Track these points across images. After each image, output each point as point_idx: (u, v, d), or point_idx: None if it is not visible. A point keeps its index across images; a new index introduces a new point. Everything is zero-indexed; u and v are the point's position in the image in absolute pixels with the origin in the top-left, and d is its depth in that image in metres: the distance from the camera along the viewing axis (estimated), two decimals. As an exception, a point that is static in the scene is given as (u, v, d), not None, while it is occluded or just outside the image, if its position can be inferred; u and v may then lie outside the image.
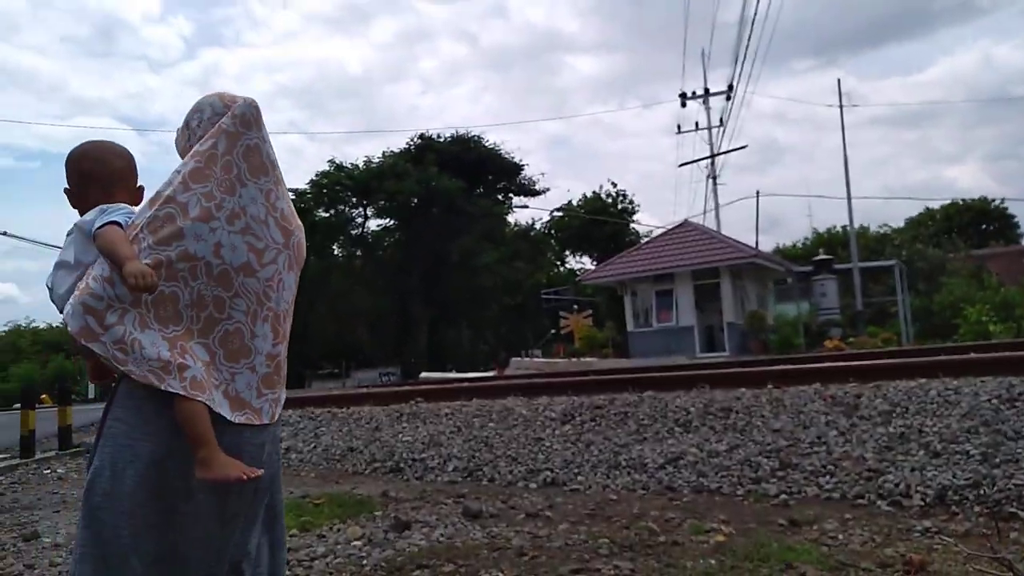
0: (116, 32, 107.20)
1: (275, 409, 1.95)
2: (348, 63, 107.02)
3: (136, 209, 1.91)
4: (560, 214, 46.04)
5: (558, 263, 49.70)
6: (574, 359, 23.10)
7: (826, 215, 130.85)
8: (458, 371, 27.36)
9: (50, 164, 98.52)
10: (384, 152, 38.82)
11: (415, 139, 38.73)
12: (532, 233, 46.45)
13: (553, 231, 47.99)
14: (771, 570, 3.53)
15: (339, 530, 4.73)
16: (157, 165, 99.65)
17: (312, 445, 8.15)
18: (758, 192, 47.75)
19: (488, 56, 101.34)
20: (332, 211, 39.17)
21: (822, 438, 5.79)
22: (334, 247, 41.25)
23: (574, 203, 46.53)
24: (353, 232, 40.61)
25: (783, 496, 5.12)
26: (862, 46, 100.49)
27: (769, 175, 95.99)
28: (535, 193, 42.24)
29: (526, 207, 46.12)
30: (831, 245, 37.62)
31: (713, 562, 3.70)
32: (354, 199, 38.83)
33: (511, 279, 40.12)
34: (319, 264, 38.78)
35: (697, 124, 34.74)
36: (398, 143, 50.17)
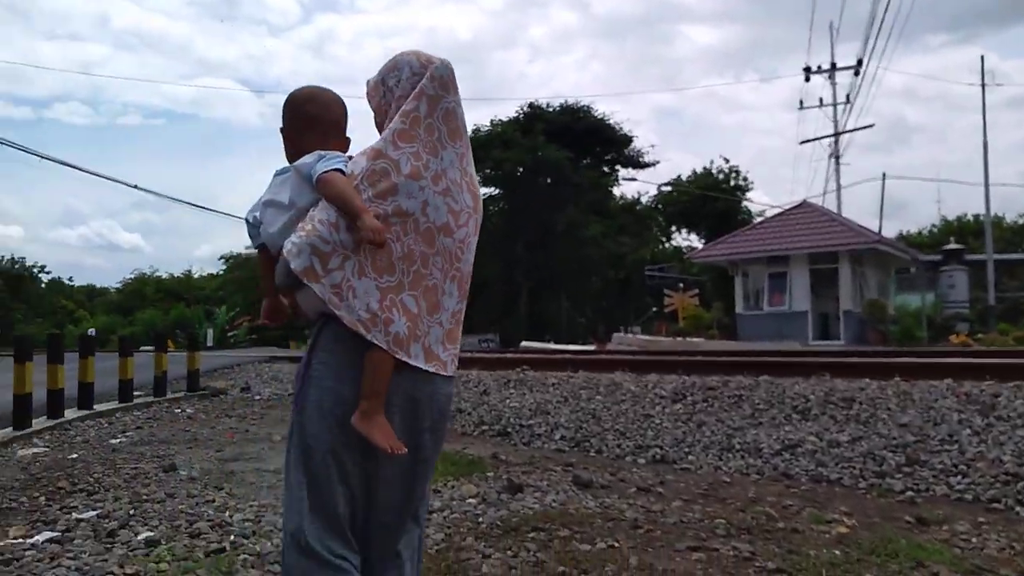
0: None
1: (455, 363, 2.02)
2: (458, 29, 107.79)
3: (347, 158, 1.96)
4: (668, 189, 45.14)
5: (663, 239, 48.82)
6: (678, 338, 22.73)
7: (956, 202, 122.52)
8: (556, 342, 27.44)
9: (174, 122, 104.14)
10: (492, 120, 38.98)
11: (524, 108, 38.69)
12: (638, 207, 45.74)
13: (660, 206, 47.06)
14: (901, 566, 3.39)
15: (453, 487, 4.85)
16: (273, 126, 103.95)
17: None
18: (884, 174, 45.19)
19: (599, 24, 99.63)
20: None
21: (954, 436, 5.49)
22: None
23: (683, 178, 45.49)
24: (461, 200, 41.09)
25: (909, 493, 4.89)
26: (1005, 21, 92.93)
27: (896, 156, 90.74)
28: (643, 166, 41.55)
29: (634, 180, 45.48)
30: (961, 234, 35.35)
31: (838, 553, 3.58)
32: (462, 167, 39.24)
33: (615, 253, 39.74)
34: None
35: (821, 100, 33.22)
36: (506, 111, 50.19)
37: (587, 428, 6.85)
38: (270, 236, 1.95)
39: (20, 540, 3.85)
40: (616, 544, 3.70)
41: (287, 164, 2.03)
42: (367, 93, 2.08)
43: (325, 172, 1.85)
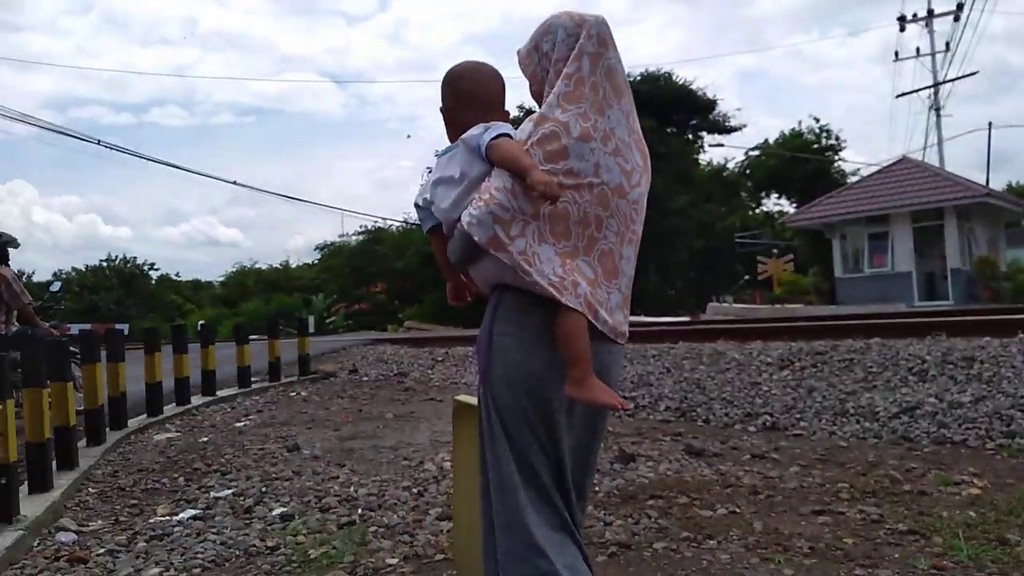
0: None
1: (627, 329, 1.99)
2: (532, 5, 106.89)
3: (511, 128, 1.96)
4: (756, 153, 43.75)
5: (752, 205, 47.42)
6: (776, 306, 22.15)
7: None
8: (645, 315, 27.17)
9: (264, 119, 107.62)
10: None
11: (635, 76, 38.02)
12: (725, 173, 44.52)
13: (748, 171, 45.70)
14: (1042, 528, 3.26)
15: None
16: (356, 116, 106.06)
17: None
18: (990, 124, 42.44)
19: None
20: (522, 155, 39.69)
21: (1090, 393, 5.19)
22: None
23: (770, 141, 43.98)
24: (543, 175, 40.98)
25: (1044, 453, 4.67)
26: None
27: (1000, 105, 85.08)
28: (729, 131, 40.32)
29: (720, 145, 44.01)
30: (1079, 182, 32.92)
31: (972, 514, 3.47)
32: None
33: (703, 222, 38.90)
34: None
35: (918, 50, 31.40)
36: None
37: (692, 398, 6.80)
38: (443, 212, 1.95)
39: (168, 517, 4.15)
40: (737, 510, 3.70)
41: (448, 144, 2.05)
42: (520, 63, 2.06)
43: (493, 139, 1.85)
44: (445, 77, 2.10)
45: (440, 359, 11.24)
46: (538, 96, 1.99)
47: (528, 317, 1.84)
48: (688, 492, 4.01)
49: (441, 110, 2.11)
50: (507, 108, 2.11)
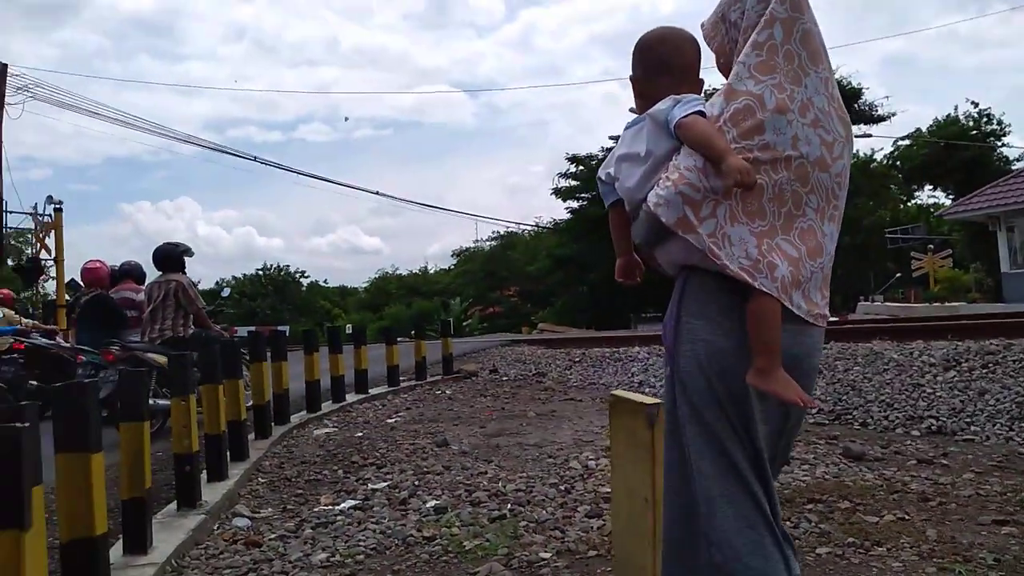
0: (447, 3, 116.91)
1: (827, 311, 1.88)
2: (659, 4, 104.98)
3: (703, 100, 1.87)
4: (907, 142, 40.93)
5: (903, 198, 44.39)
6: (936, 304, 20.64)
7: None
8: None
9: (401, 130, 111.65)
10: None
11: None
12: (872, 165, 41.93)
13: (897, 163, 42.81)
14: None
15: (714, 460, 4.80)
16: (487, 124, 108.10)
17: (663, 380, 8.34)
18: None
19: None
20: (656, 155, 39.10)
21: None
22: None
23: (923, 130, 40.99)
24: (677, 175, 40.18)
25: None
26: None
27: None
28: (876, 120, 37.98)
29: (868, 136, 41.57)
30: None
31: None
32: (677, 142, 38.32)
33: (850, 217, 36.76)
34: (644, 208, 39.16)
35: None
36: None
37: (847, 400, 6.46)
38: (627, 191, 1.88)
39: (330, 507, 4.38)
40: (907, 516, 3.48)
41: (636, 115, 1.96)
42: (705, 36, 1.98)
43: (684, 117, 1.77)
44: (637, 44, 2.00)
45: (577, 360, 11.26)
46: (726, 69, 1.89)
47: (718, 298, 1.77)
48: (850, 497, 3.82)
49: (631, 79, 2.01)
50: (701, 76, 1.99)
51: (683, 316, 1.81)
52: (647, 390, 8.27)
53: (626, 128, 1.97)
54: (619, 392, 2.47)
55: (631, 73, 2.01)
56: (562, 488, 4.40)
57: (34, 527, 1.93)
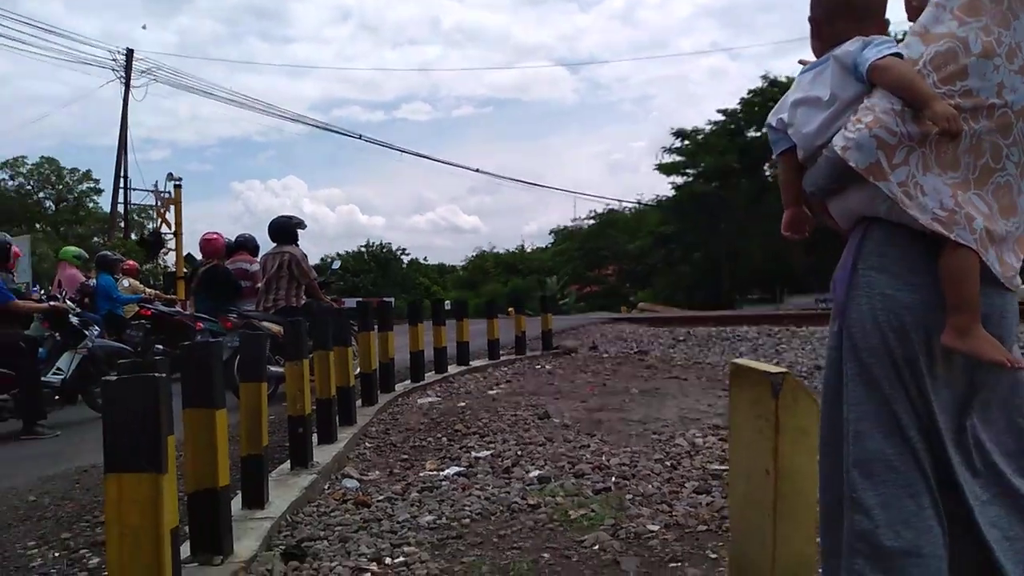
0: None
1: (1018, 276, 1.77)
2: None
3: (894, 42, 1.76)
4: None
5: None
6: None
7: None
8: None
9: (501, 108, 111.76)
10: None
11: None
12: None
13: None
14: None
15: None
16: (588, 100, 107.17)
17: (775, 361, 8.09)
18: None
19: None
20: (764, 130, 37.82)
21: None
22: (766, 167, 39.98)
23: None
24: (786, 151, 38.79)
25: None
26: None
27: None
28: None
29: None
30: None
31: None
32: (787, 115, 36.93)
33: None
34: (751, 185, 37.98)
35: None
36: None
37: None
38: (805, 136, 1.80)
39: (435, 472, 4.46)
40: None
41: (814, 59, 1.87)
42: None
43: (879, 59, 1.67)
44: None
45: (681, 338, 11.08)
46: (915, 12, 1.77)
47: (903, 251, 1.67)
48: None
49: (809, 19, 1.91)
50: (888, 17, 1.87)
51: (860, 268, 1.72)
52: (754, 370, 8.04)
53: (802, 72, 1.88)
54: (741, 360, 2.38)
55: (810, 13, 1.90)
56: (668, 464, 4.32)
57: (169, 472, 2.03)
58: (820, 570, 1.91)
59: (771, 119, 1.92)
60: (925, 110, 1.58)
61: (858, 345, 1.69)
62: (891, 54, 1.66)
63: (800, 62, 1.92)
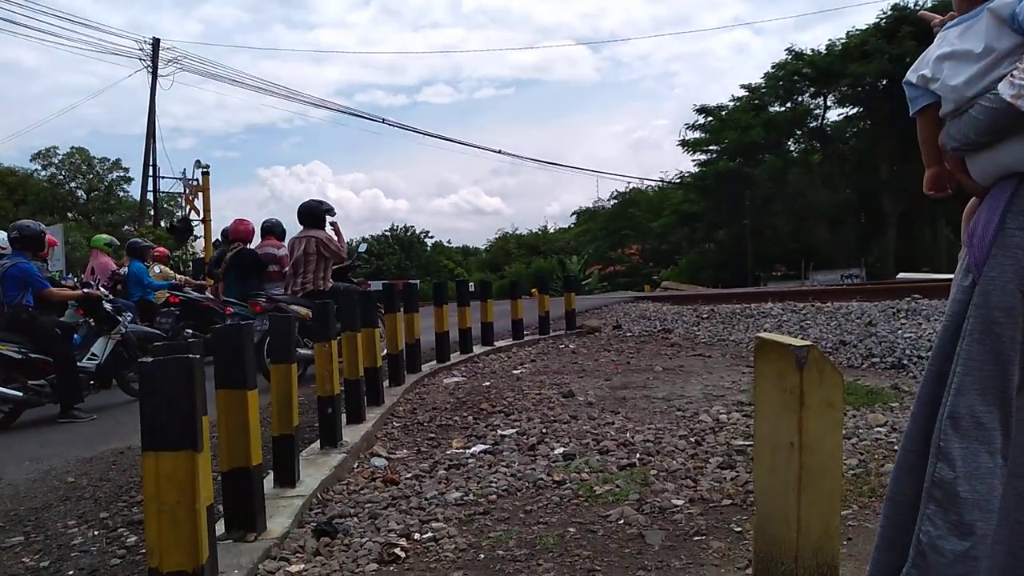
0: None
1: None
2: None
3: None
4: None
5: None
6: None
7: None
8: (935, 273, 24.34)
9: (523, 89, 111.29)
10: (848, 32, 35.24)
11: (886, 12, 34.30)
12: (1035, 109, 38.18)
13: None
14: None
15: (855, 416, 4.61)
16: (610, 78, 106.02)
17: (799, 337, 8.03)
18: None
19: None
20: (788, 104, 37.29)
21: None
22: (790, 142, 39.44)
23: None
24: (811, 125, 38.20)
25: None
26: None
27: None
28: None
29: (1027, 77, 37.89)
30: None
31: None
32: (812, 89, 36.30)
33: (1007, 166, 33.78)
34: (774, 161, 37.52)
35: None
36: (861, 21, 45.21)
37: None
38: (953, 88, 1.79)
39: (461, 450, 4.51)
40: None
41: (960, 14, 1.87)
42: None
43: None
44: None
45: (705, 316, 11.03)
46: None
47: None
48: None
49: None
50: None
51: (1009, 226, 1.71)
52: (779, 346, 8.00)
53: (948, 28, 1.87)
54: (765, 334, 2.38)
55: None
56: (692, 440, 4.34)
57: (203, 451, 2.09)
58: (844, 541, 1.94)
59: (911, 76, 1.92)
60: None
61: (992, 302, 1.71)
62: None
63: (919, 16, 1.92)
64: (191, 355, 2.03)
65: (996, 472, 1.70)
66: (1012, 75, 1.65)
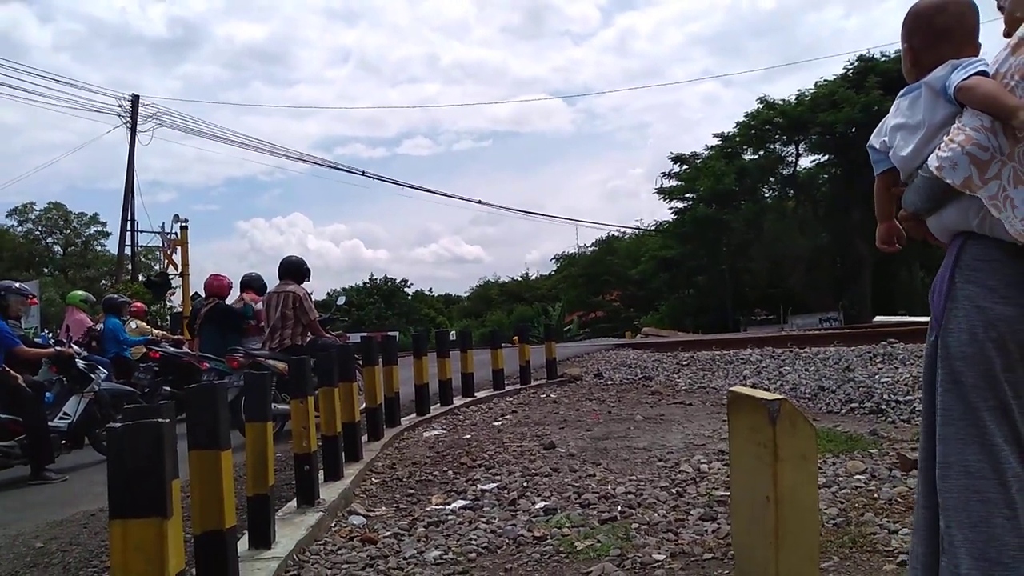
0: (543, 14, 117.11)
1: None
2: (758, 1, 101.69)
3: (988, 60, 1.84)
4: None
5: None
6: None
7: None
8: (911, 316, 24.64)
9: (500, 141, 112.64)
10: (816, 83, 36.21)
11: (852, 63, 35.33)
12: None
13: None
14: None
15: (834, 463, 4.60)
16: (585, 130, 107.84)
17: (778, 384, 8.07)
18: None
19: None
20: (761, 152, 38.05)
21: None
22: (764, 189, 40.11)
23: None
24: (784, 172, 38.96)
25: None
26: None
27: None
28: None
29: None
30: None
31: None
32: (784, 137, 37.12)
33: (977, 210, 34.52)
34: (750, 207, 38.10)
35: None
36: (829, 71, 46.52)
37: None
38: (902, 159, 1.90)
39: (441, 506, 4.45)
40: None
41: (909, 84, 1.95)
42: (999, 4, 1.93)
43: (965, 79, 1.74)
44: (913, 11, 1.98)
45: (685, 363, 11.05)
46: (1014, 25, 1.83)
47: (999, 265, 1.74)
48: None
49: (906, 48, 1.98)
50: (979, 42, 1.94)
51: (958, 281, 1.79)
52: (759, 393, 8.03)
53: (901, 96, 1.97)
54: (738, 388, 2.41)
55: (905, 43, 1.98)
56: (674, 491, 4.31)
57: (174, 516, 2.05)
58: None
59: (874, 141, 2.03)
60: (1012, 120, 1.64)
61: (952, 354, 1.77)
62: (976, 72, 1.73)
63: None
64: (160, 419, 2.01)
65: (996, 520, 1.69)
66: (940, 148, 1.74)
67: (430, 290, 63.89)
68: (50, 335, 10.90)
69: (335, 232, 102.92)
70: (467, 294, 64.29)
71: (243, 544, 3.47)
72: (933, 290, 1.86)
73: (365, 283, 53.63)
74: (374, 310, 49.20)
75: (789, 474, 2.07)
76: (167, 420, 2.06)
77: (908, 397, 6.52)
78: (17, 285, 6.86)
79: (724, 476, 4.48)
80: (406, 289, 55.96)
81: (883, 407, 6.59)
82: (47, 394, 6.62)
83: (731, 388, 2.48)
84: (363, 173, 30.56)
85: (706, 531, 3.53)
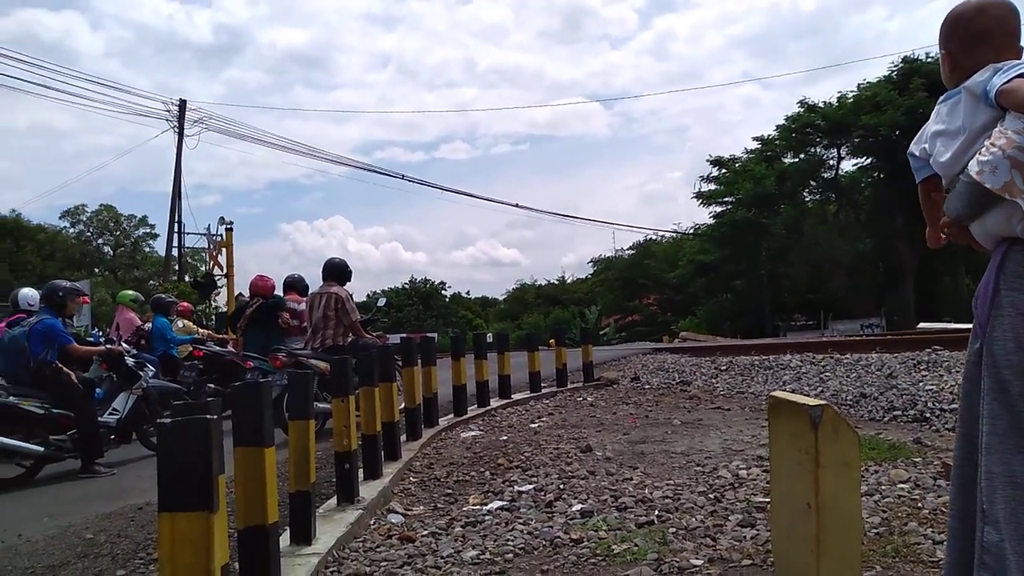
0: (581, 18, 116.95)
1: None
2: (802, 1, 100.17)
3: None
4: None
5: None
6: None
7: None
8: (955, 323, 24.04)
9: (537, 144, 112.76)
10: (859, 84, 35.56)
11: (896, 64, 34.65)
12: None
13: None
14: None
15: (877, 472, 4.53)
16: (622, 134, 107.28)
17: (819, 390, 7.95)
18: None
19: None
20: (802, 155, 37.51)
21: None
22: (805, 193, 39.53)
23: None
24: (825, 175, 38.34)
25: None
26: None
27: None
28: None
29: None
30: None
31: None
32: (826, 140, 36.54)
33: (1027, 214, 33.57)
34: (791, 211, 37.58)
35: None
36: (870, 75, 45.67)
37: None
38: (943, 165, 1.89)
39: (479, 507, 4.48)
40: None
41: (949, 89, 1.94)
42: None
43: (1007, 83, 1.71)
44: (951, 15, 1.96)
45: (724, 368, 10.94)
46: None
47: None
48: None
49: (944, 53, 1.96)
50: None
51: (1002, 288, 1.77)
52: (799, 399, 7.92)
53: (940, 102, 1.95)
54: (779, 393, 2.39)
55: (943, 48, 1.96)
56: (711, 496, 4.28)
57: (219, 511, 2.10)
58: None
59: (914, 148, 2.01)
60: None
61: (999, 362, 1.75)
62: (1018, 75, 1.69)
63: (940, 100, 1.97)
64: (208, 416, 2.06)
65: None
66: (980, 152, 1.71)
67: (467, 292, 64.19)
68: (101, 333, 11.19)
69: (375, 235, 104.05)
70: (503, 297, 64.47)
71: (284, 539, 3.54)
72: (977, 296, 1.84)
73: (404, 285, 54.08)
74: (412, 312, 49.57)
75: (831, 481, 2.05)
76: (215, 417, 2.12)
77: (953, 406, 6.37)
78: (68, 284, 7.08)
79: (763, 482, 4.44)
80: (444, 291, 56.29)
81: (927, 415, 6.45)
82: (97, 390, 6.82)
83: (772, 393, 2.46)
84: (403, 177, 31.23)
85: (744, 537, 3.50)
